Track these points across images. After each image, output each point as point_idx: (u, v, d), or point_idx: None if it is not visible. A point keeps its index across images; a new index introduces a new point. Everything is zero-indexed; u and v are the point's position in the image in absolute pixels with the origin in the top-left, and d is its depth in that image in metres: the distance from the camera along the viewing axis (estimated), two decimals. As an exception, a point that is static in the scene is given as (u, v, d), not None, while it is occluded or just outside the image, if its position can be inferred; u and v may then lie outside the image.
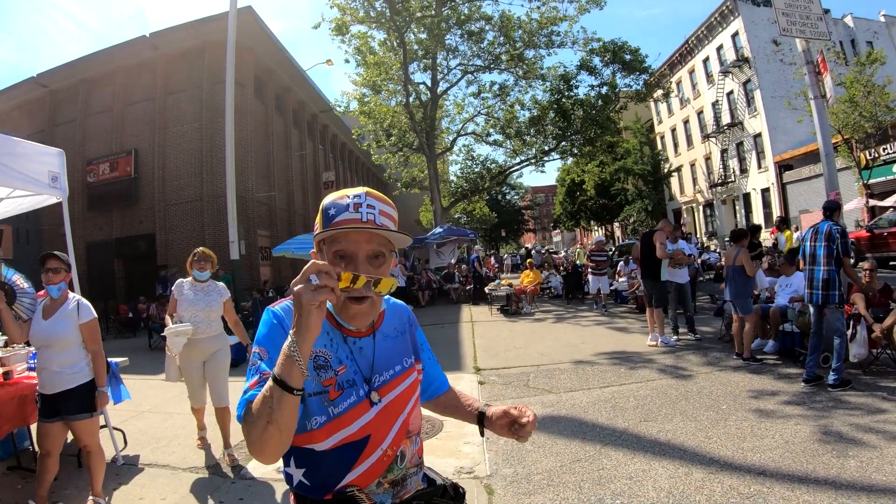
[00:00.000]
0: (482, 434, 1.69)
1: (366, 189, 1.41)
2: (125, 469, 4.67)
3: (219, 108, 16.13)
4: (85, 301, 3.83)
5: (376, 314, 1.48)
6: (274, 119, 25.23)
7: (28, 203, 5.57)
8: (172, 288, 4.93)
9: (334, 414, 1.37)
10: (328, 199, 1.41)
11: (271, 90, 25.13)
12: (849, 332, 5.94)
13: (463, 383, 7.00)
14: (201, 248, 4.98)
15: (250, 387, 1.26)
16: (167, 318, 4.88)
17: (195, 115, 21.06)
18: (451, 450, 4.75)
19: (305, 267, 1.16)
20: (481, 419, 1.65)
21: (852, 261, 5.84)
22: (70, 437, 4.00)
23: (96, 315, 3.87)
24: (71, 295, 3.85)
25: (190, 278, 4.90)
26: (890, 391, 5.35)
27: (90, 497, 3.78)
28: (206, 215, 20.35)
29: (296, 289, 1.14)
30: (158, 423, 6.03)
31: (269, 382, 1.15)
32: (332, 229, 1.33)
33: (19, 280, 4.22)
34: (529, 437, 1.55)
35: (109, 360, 5.10)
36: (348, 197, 1.38)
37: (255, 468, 4.46)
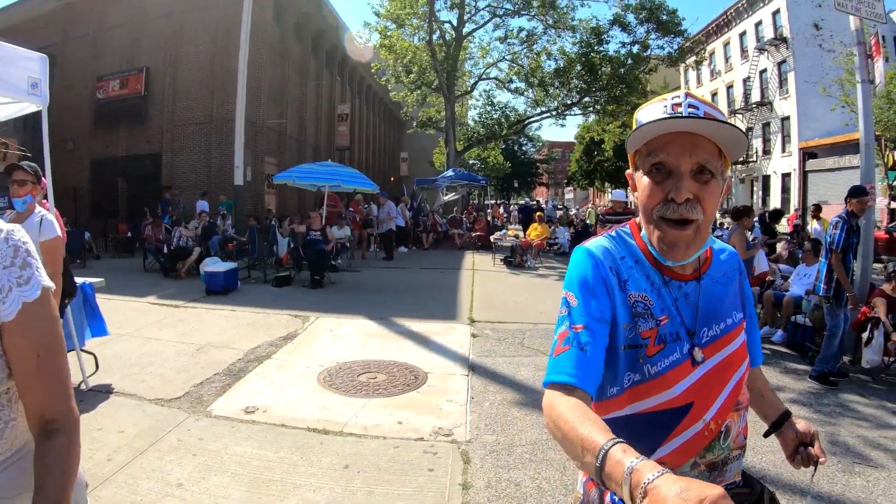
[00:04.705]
0: (766, 436, 1.36)
1: (686, 90, 1.19)
2: (90, 396, 4.38)
3: (235, 30, 15.47)
4: (50, 217, 3.51)
5: (701, 248, 1.16)
6: (292, 45, 24.37)
7: (6, 112, 4.97)
8: None
9: (651, 374, 1.12)
10: (642, 108, 1.18)
11: (292, 15, 24.20)
12: (865, 336, 5.58)
13: (455, 334, 6.76)
14: None
15: (559, 342, 1.09)
16: None
17: (211, 35, 20.23)
18: (431, 406, 4.47)
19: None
20: (781, 420, 1.31)
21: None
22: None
23: (60, 234, 3.54)
24: (37, 209, 3.52)
25: None
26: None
27: None
28: (214, 138, 19.85)
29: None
30: (135, 348, 5.80)
31: (588, 455, 0.87)
32: (649, 125, 1.09)
33: None
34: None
35: (84, 281, 4.89)
36: (666, 99, 1.13)
37: (222, 406, 4.23)
